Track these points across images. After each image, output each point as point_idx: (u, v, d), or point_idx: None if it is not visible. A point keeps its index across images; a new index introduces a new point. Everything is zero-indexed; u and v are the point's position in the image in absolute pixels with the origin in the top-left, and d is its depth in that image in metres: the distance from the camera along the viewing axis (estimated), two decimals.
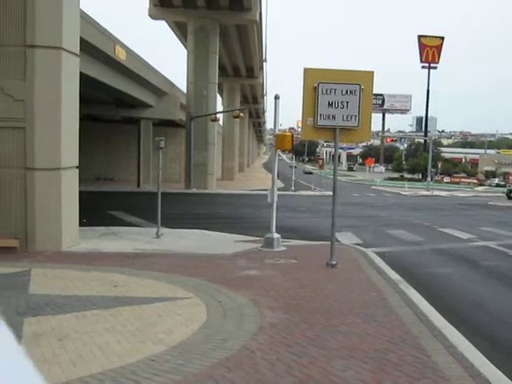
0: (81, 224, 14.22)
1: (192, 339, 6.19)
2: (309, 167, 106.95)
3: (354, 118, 11.09)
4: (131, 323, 6.73)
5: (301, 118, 11.55)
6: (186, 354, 5.69)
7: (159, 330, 6.51)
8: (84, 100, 34.76)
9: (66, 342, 5.93)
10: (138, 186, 43.05)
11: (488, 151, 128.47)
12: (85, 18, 22.36)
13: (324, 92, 11.01)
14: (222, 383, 4.94)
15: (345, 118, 11.10)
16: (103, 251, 12.68)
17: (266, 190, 16.91)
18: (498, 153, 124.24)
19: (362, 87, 11.07)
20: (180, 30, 48.36)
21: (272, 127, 15.36)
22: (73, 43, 12.78)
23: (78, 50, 13.07)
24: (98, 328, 6.47)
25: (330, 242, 11.44)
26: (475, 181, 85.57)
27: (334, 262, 11.24)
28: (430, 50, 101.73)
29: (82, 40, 14.84)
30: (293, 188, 45.99)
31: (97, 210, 23.58)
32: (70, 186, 12.83)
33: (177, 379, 4.98)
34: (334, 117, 11.08)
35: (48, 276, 9.46)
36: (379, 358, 5.72)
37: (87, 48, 23.28)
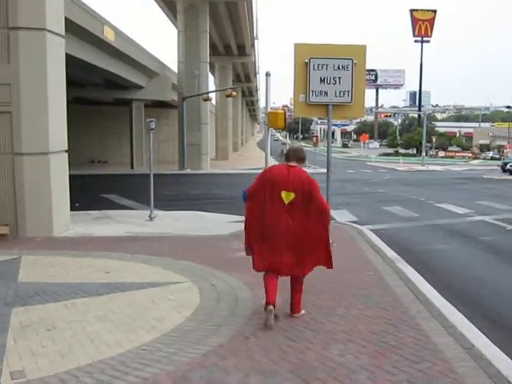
0: (73, 208, 14.02)
1: (184, 326, 6.02)
2: (288, 141, 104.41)
3: (346, 93, 10.86)
4: (123, 311, 6.55)
5: (293, 95, 11.31)
6: (178, 341, 5.52)
7: (151, 316, 6.33)
8: (74, 83, 34.52)
9: (54, 332, 5.75)
10: (132, 168, 42.78)
11: (482, 125, 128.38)
12: None
13: (315, 68, 10.75)
14: (214, 372, 4.77)
15: (337, 94, 10.86)
16: (96, 236, 12.48)
17: (260, 168, 16.72)
18: (493, 126, 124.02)
19: (355, 62, 10.81)
20: (170, 9, 47.70)
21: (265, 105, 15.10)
22: (57, 24, 12.44)
23: (63, 31, 12.74)
24: (88, 317, 6.29)
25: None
26: (470, 154, 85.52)
27: (330, 241, 11.04)
28: (422, 24, 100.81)
29: (67, 21, 14.51)
30: None
31: (90, 193, 23.39)
32: (59, 171, 12.58)
33: (168, 369, 4.81)
34: (326, 93, 10.85)
35: (38, 263, 9.27)
36: (377, 340, 5.56)
37: (74, 29, 22.88)
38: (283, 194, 6.06)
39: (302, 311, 6.49)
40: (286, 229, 6.05)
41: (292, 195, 6.06)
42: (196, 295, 7.28)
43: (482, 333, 5.88)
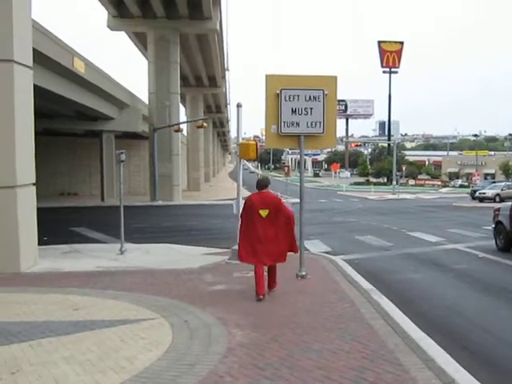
0: (41, 242, 13.67)
1: (157, 365, 5.79)
2: (259, 171, 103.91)
3: (318, 124, 10.82)
4: (91, 350, 6.29)
5: (264, 126, 11.25)
6: (150, 382, 5.28)
7: (121, 356, 6.09)
8: (43, 114, 34.15)
9: (19, 375, 5.47)
10: (102, 200, 42.30)
11: (450, 153, 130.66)
12: (39, 29, 21.77)
13: (287, 99, 10.72)
14: None
15: (309, 125, 10.82)
16: (64, 271, 12.15)
17: (232, 199, 16.57)
18: (461, 154, 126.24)
19: (326, 92, 10.81)
20: (140, 40, 47.89)
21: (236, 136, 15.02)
22: (25, 55, 12.26)
23: (31, 63, 12.55)
24: (54, 358, 6.01)
25: (298, 252, 11.10)
26: (439, 183, 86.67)
27: (304, 273, 10.93)
28: (390, 55, 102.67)
29: (36, 52, 14.35)
30: None
31: (59, 226, 22.96)
32: (26, 204, 12.28)
33: None
34: (298, 124, 10.80)
35: (3, 301, 8.93)
36: (356, 377, 5.40)
37: (42, 60, 22.70)
38: (261, 212, 9.17)
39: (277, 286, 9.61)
40: (264, 234, 9.12)
41: (267, 211, 9.18)
42: (168, 332, 7.05)
43: (461, 366, 5.75)
